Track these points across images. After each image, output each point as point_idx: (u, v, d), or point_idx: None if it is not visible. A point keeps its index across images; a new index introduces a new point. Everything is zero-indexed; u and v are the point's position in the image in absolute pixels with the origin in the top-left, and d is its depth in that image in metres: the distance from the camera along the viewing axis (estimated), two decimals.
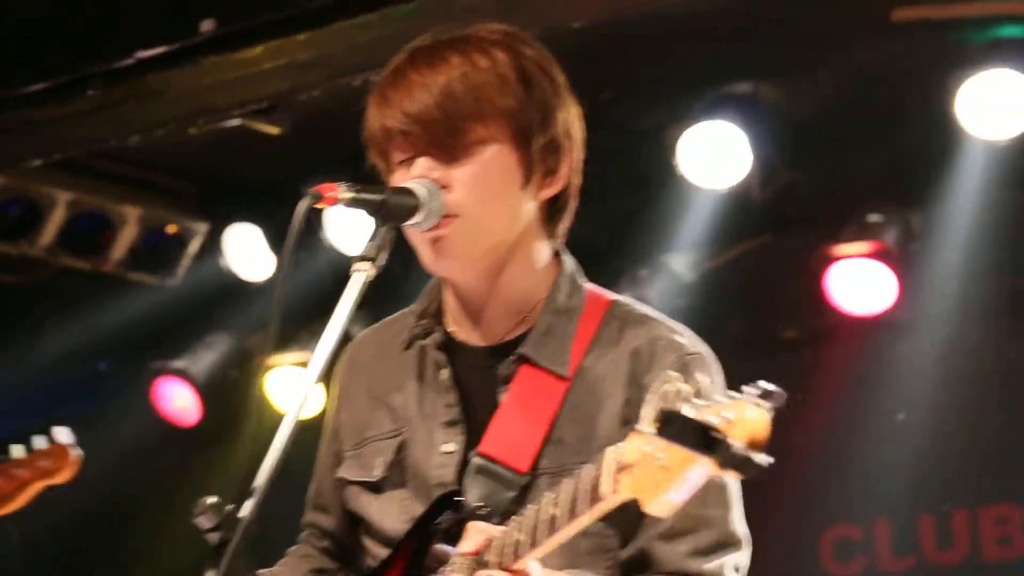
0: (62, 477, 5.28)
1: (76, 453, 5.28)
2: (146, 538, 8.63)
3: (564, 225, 3.44)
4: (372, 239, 3.18)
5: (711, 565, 3.23)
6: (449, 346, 3.43)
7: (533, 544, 2.89)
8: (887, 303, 7.33)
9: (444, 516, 3.25)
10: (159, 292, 8.47)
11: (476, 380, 3.39)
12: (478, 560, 3.05)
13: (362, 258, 3.17)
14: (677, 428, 2.48)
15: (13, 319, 8.62)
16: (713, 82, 7.19)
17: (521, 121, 3.30)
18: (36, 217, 7.91)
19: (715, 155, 7.21)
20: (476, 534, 3.07)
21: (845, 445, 7.51)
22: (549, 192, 3.38)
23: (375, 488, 3.44)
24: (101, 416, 8.62)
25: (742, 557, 3.29)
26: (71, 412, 8.95)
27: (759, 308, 7.79)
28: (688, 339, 3.35)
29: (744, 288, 7.76)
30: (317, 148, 5.94)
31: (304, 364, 8.17)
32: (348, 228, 7.63)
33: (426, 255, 3.33)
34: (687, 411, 2.49)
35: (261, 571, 3.55)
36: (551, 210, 3.40)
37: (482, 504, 3.22)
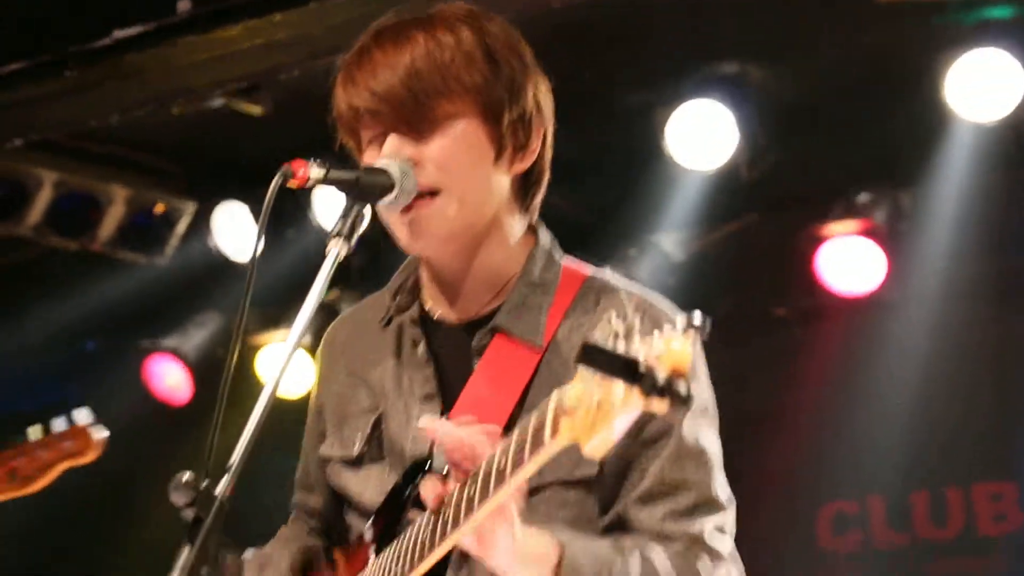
0: (87, 458, 5.32)
1: (100, 434, 5.31)
2: (138, 516, 8.62)
3: (538, 199, 3.44)
4: (344, 216, 3.18)
5: (689, 527, 3.22)
6: (425, 322, 3.44)
7: (485, 496, 2.86)
8: (876, 282, 7.33)
9: (414, 485, 3.24)
10: (148, 271, 8.45)
11: (452, 354, 3.40)
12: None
13: (336, 235, 3.15)
14: (602, 360, 2.46)
15: (1, 300, 8.60)
16: (701, 62, 7.17)
17: (488, 97, 3.30)
18: (22, 198, 7.88)
19: (703, 135, 7.19)
20: (429, 491, 3.05)
21: (838, 422, 7.52)
22: (521, 167, 3.38)
23: (354, 463, 3.46)
24: (91, 396, 8.62)
25: (725, 518, 3.28)
26: (61, 392, 8.99)
27: (748, 287, 7.78)
28: (665, 307, 3.34)
29: (733, 267, 7.76)
30: (300, 128, 5.89)
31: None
32: (336, 207, 7.60)
33: (402, 235, 3.33)
34: (613, 345, 2.47)
35: (250, 550, 3.57)
36: (524, 184, 3.40)
37: (447, 472, 3.18)
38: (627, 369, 2.43)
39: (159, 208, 8.29)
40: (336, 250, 3.14)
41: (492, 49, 3.32)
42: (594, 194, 7.54)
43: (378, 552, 3.28)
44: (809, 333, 7.61)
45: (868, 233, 7.25)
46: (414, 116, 3.25)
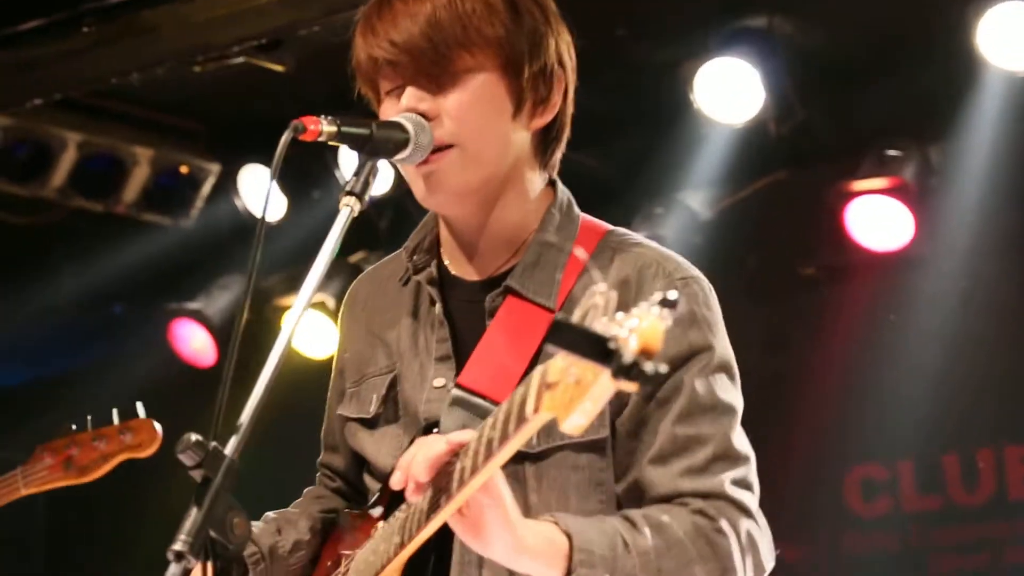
0: (147, 451, 5.39)
1: (159, 428, 5.36)
2: (163, 478, 8.62)
3: (558, 155, 3.39)
4: (357, 173, 3.11)
5: (707, 482, 3.14)
6: (443, 281, 3.40)
7: (474, 470, 2.80)
8: (906, 239, 7.25)
9: None
10: (173, 233, 8.45)
11: (467, 314, 3.35)
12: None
13: (348, 192, 3.09)
14: (570, 338, 2.39)
15: (26, 261, 8.62)
16: (729, 16, 7.10)
17: (510, 49, 3.24)
18: (47, 159, 7.88)
19: (730, 90, 7.13)
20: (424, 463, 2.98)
21: (866, 383, 7.43)
22: (541, 121, 3.32)
23: (370, 424, 3.42)
24: (118, 359, 8.63)
25: (745, 472, 3.20)
26: (88, 354, 9.00)
27: (776, 245, 7.71)
28: (678, 264, 3.29)
29: (761, 225, 7.69)
30: (324, 85, 5.87)
31: (320, 304, 8.16)
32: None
33: (418, 189, 3.28)
34: (588, 322, 2.41)
35: (269, 512, 3.53)
36: (544, 140, 3.35)
37: None
38: (596, 348, 2.36)
39: (183, 169, 8.27)
40: (349, 208, 3.08)
41: (515, 0, 3.26)
42: (620, 151, 7.49)
43: (385, 520, 3.25)
44: (837, 291, 7.54)
45: (897, 189, 7.17)
46: (433, 68, 3.20)
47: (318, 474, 3.66)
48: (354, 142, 3.13)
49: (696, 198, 7.73)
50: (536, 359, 3.20)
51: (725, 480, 3.15)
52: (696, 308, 3.22)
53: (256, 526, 3.45)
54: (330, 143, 3.14)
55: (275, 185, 3.08)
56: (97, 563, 9.18)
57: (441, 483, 2.90)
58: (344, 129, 3.11)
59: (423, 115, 3.19)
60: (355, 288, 3.61)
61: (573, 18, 3.38)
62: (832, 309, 7.53)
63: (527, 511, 3.07)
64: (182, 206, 8.38)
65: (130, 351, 8.72)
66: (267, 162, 8.64)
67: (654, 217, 7.54)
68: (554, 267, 3.29)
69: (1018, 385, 7.24)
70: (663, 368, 2.35)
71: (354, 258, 7.97)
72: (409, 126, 3.16)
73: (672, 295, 2.40)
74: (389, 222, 7.93)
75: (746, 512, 3.17)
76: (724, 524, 3.12)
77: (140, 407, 5.47)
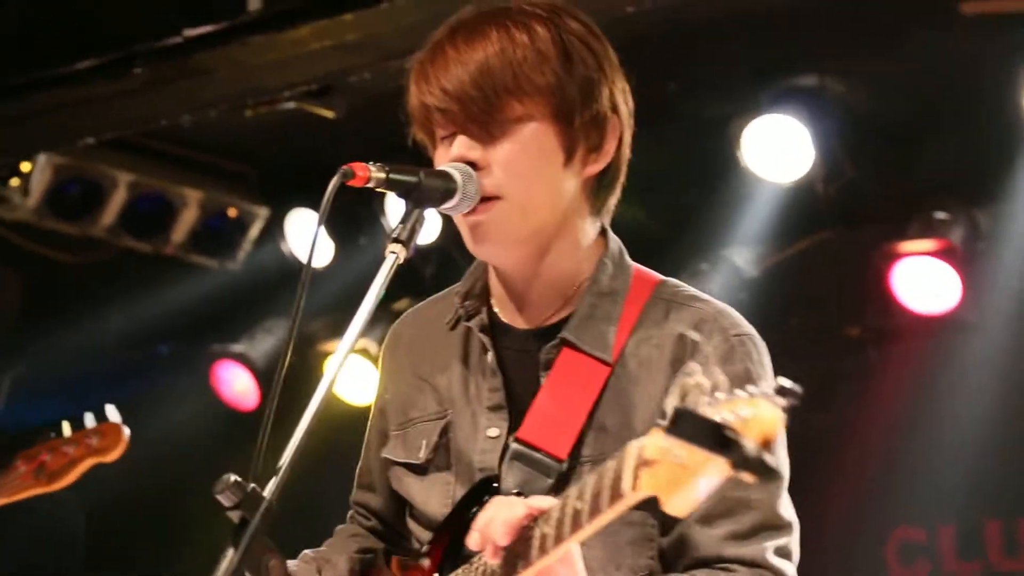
0: (112, 455, 5.30)
1: (127, 432, 5.29)
2: (203, 520, 8.61)
3: (611, 202, 3.37)
4: (404, 221, 3.13)
5: (750, 549, 3.13)
6: (494, 328, 3.38)
7: (559, 538, 2.81)
8: (952, 302, 7.20)
9: (483, 502, 3.18)
10: (219, 276, 8.48)
11: (520, 364, 3.33)
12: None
13: (395, 240, 3.10)
14: (690, 427, 2.40)
15: (74, 299, 8.66)
16: (779, 74, 7.10)
17: (561, 97, 3.22)
18: (97, 198, 7.92)
19: (779, 148, 7.13)
20: (503, 527, 2.98)
21: (909, 446, 7.38)
22: (594, 168, 3.30)
23: (419, 470, 3.40)
24: (161, 398, 8.65)
25: (787, 540, 3.18)
26: (131, 394, 9.01)
27: (822, 305, 7.68)
28: (734, 320, 3.27)
29: (807, 284, 7.66)
30: (373, 132, 5.90)
31: (362, 350, 8.16)
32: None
33: (467, 239, 3.28)
34: (702, 408, 2.41)
35: (307, 551, 3.53)
36: (597, 187, 3.33)
37: (519, 492, 3.15)
38: (715, 437, 2.37)
39: (232, 212, 8.30)
40: (395, 255, 3.09)
41: (568, 46, 3.24)
42: (667, 205, 7.48)
43: (441, 573, 3.23)
44: (883, 353, 7.49)
45: (944, 252, 7.14)
46: (483, 116, 3.20)
47: (351, 512, 3.64)
48: (402, 190, 3.14)
49: (742, 255, 7.70)
50: (594, 413, 3.20)
51: (768, 549, 3.14)
52: (751, 367, 3.21)
53: (293, 564, 3.44)
54: (378, 190, 3.16)
55: (322, 230, 3.08)
56: None
57: (518, 548, 2.91)
58: (392, 176, 3.12)
59: (473, 164, 3.19)
60: (398, 329, 3.59)
61: (625, 69, 3.37)
62: (877, 371, 7.49)
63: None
64: (229, 248, 8.40)
65: (173, 391, 8.75)
66: (315, 207, 8.66)
67: (700, 273, 7.52)
68: (609, 319, 3.28)
69: None
70: (784, 461, 2.35)
71: (398, 305, 7.95)
72: (457, 176, 3.16)
73: (786, 383, 2.41)
74: (435, 270, 7.93)
75: None
76: None
77: (111, 409, 5.40)
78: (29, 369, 9.09)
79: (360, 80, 6.16)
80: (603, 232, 3.38)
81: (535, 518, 2.89)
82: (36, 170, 7.62)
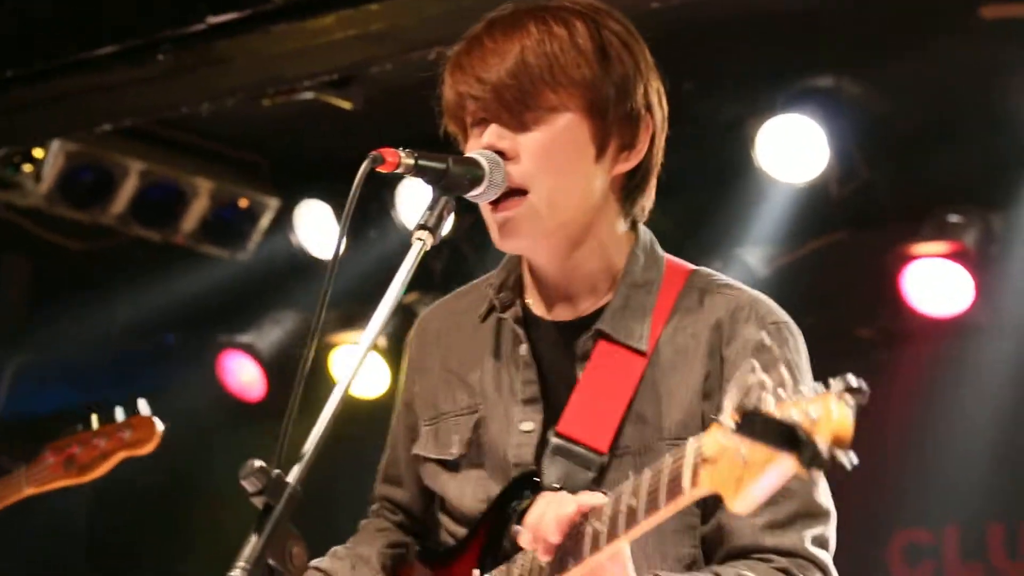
0: (145, 449, 5.35)
1: (160, 426, 5.31)
2: (207, 510, 8.65)
3: (641, 201, 3.35)
4: (431, 208, 3.12)
5: (788, 538, 3.14)
6: (527, 320, 3.37)
7: (612, 535, 2.81)
8: (964, 305, 7.20)
9: (523, 497, 3.18)
10: (229, 266, 8.46)
11: (554, 356, 3.32)
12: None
13: (421, 227, 3.10)
14: (759, 427, 2.39)
15: (81, 286, 8.65)
16: (795, 74, 7.10)
17: (595, 92, 3.22)
18: (108, 185, 7.91)
19: (794, 149, 7.12)
20: (555, 524, 2.97)
21: (918, 448, 7.39)
22: (625, 166, 3.29)
23: (452, 466, 3.39)
24: (167, 387, 8.64)
25: (826, 530, 3.19)
26: (137, 383, 9.01)
27: (833, 306, 7.66)
28: (770, 308, 3.27)
29: (818, 285, 7.65)
30: (391, 125, 5.87)
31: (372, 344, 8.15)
32: (422, 208, 7.56)
33: (494, 234, 3.27)
34: (770, 408, 2.40)
35: (337, 547, 3.51)
36: (627, 185, 3.31)
37: (560, 486, 3.14)
38: (786, 437, 2.36)
39: (243, 203, 8.29)
40: (421, 243, 3.08)
41: (606, 44, 3.25)
42: (680, 204, 7.45)
43: (482, 570, 3.22)
44: (893, 355, 7.49)
45: (958, 255, 7.13)
46: (517, 105, 3.19)
47: (375, 506, 3.62)
48: (430, 176, 3.13)
49: (754, 255, 7.69)
50: (632, 404, 3.20)
51: (806, 537, 3.14)
52: (789, 354, 3.21)
53: (325, 562, 3.44)
54: (407, 176, 3.15)
55: (346, 215, 3.06)
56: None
57: (568, 545, 2.90)
58: (421, 163, 3.11)
59: (502, 153, 3.19)
60: (425, 320, 3.56)
61: None
62: (887, 372, 7.47)
63: None
64: (239, 239, 8.39)
65: (179, 380, 8.73)
66: (326, 199, 8.69)
67: None
68: (643, 309, 3.27)
69: None
70: (855, 460, 2.34)
71: (408, 299, 7.94)
72: (484, 163, 3.16)
73: (854, 382, 2.40)
74: (444, 264, 7.92)
75: (824, 571, 3.17)
76: None
77: (143, 403, 5.41)
78: (35, 356, 9.09)
79: (381, 71, 6.12)
80: (633, 225, 3.37)
81: (586, 515, 2.88)
82: (49, 156, 7.61)
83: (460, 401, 3.40)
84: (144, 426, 5.39)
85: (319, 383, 8.73)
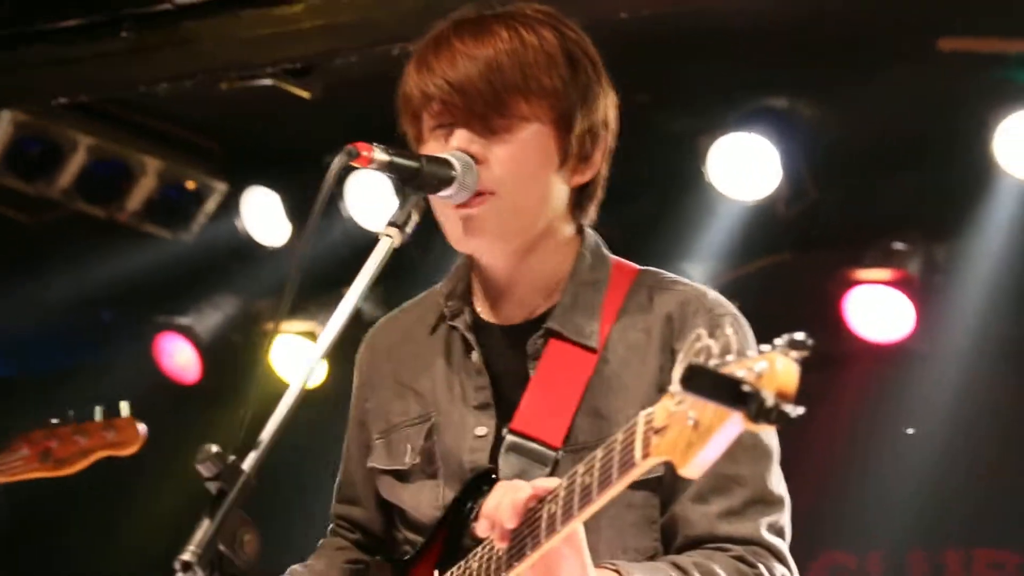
0: (128, 450, 5.34)
1: (143, 428, 5.31)
2: (136, 489, 8.61)
3: (591, 214, 3.40)
4: (402, 206, 3.12)
5: (744, 527, 3.15)
6: (477, 327, 3.38)
7: (567, 515, 2.80)
8: (904, 332, 7.26)
9: (480, 496, 3.16)
10: (171, 246, 8.40)
11: (505, 360, 3.34)
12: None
13: (391, 224, 3.09)
14: (705, 383, 2.40)
15: (21, 258, 8.56)
16: (751, 93, 7.12)
17: (564, 103, 3.25)
18: (55, 158, 7.83)
19: (745, 167, 7.15)
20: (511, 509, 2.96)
21: (847, 471, 7.44)
22: (581, 179, 3.33)
23: (406, 476, 3.39)
24: (100, 365, 8.58)
25: (780, 517, 3.21)
26: (71, 358, 8.95)
27: (774, 325, 7.64)
28: (718, 300, 3.31)
29: (760, 304, 7.62)
30: (346, 117, 5.85)
31: (311, 334, 8.12)
32: (369, 200, 7.55)
33: (454, 231, 3.28)
34: (715, 365, 2.41)
35: (295, 566, 3.50)
36: (580, 197, 3.36)
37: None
38: (731, 392, 2.37)
39: (190, 184, 8.23)
40: (390, 239, 3.08)
41: (572, 53, 3.28)
42: (627, 215, 7.48)
43: (441, 570, 3.22)
44: (830, 378, 7.51)
45: (900, 282, 7.19)
46: (488, 111, 3.21)
47: (332, 525, 3.62)
48: (402, 174, 3.14)
49: (697, 270, 7.71)
50: (584, 399, 3.22)
51: (761, 525, 3.16)
52: (739, 343, 3.23)
53: None
54: (379, 172, 3.15)
55: (319, 206, 3.06)
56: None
57: (526, 530, 2.90)
58: (396, 160, 3.12)
59: (472, 157, 3.20)
60: (374, 337, 3.57)
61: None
62: (824, 395, 7.50)
63: None
64: (184, 221, 8.33)
65: (113, 358, 8.68)
66: (274, 186, 8.63)
67: None
68: (592, 307, 3.30)
69: (996, 490, 7.24)
70: (801, 410, 2.35)
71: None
72: (457, 165, 3.17)
73: (800, 336, 2.42)
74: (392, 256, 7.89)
75: (780, 559, 3.19)
76: (763, 570, 3.14)
77: (125, 406, 5.41)
78: None
79: (345, 64, 6.10)
80: (580, 228, 3.41)
81: (541, 499, 2.88)
82: None
83: (411, 411, 3.41)
84: (128, 428, 5.40)
85: (257, 371, 8.68)
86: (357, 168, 3.12)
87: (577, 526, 2.86)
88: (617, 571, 3.02)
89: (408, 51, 3.36)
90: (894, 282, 7.21)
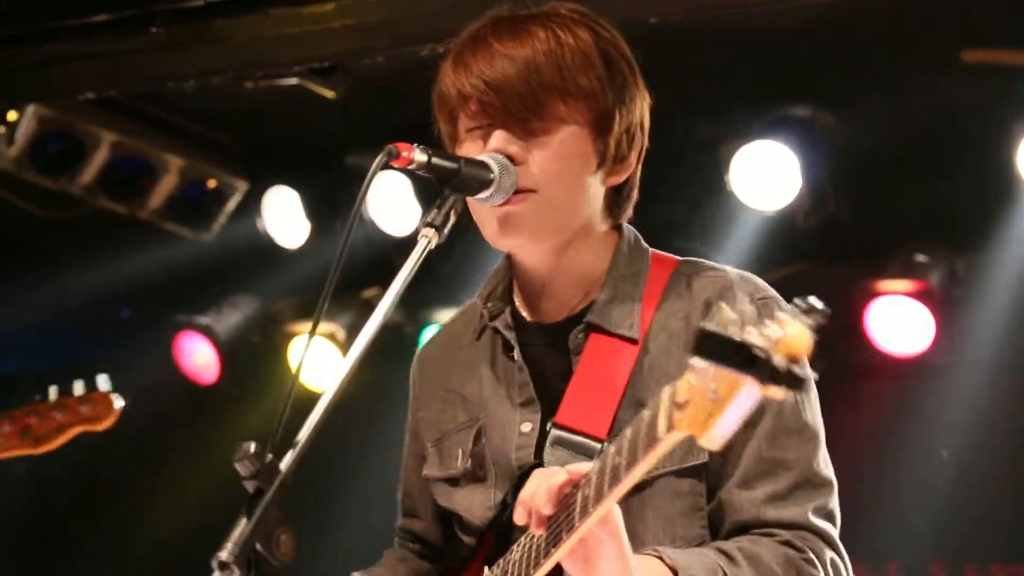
0: (102, 425, 5.33)
1: (119, 403, 5.29)
2: (157, 487, 8.64)
3: (626, 215, 3.42)
4: (440, 207, 3.13)
5: (790, 511, 3.15)
6: (518, 326, 3.41)
7: (599, 496, 2.80)
8: (924, 345, 7.24)
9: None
10: (191, 245, 8.41)
11: (547, 356, 3.36)
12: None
13: (428, 224, 3.11)
14: (716, 348, 2.41)
15: (42, 254, 8.58)
16: (774, 102, 7.11)
17: (602, 104, 3.27)
18: (78, 154, 7.84)
19: (767, 176, 7.13)
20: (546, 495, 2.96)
21: (866, 482, 7.41)
22: (616, 180, 3.36)
23: (458, 481, 3.42)
24: (119, 363, 8.57)
25: (828, 501, 3.21)
26: (89, 356, 8.95)
27: None
28: (758, 285, 3.32)
29: None
30: (370, 118, 5.86)
31: (329, 335, 8.11)
32: (388, 204, 7.55)
33: (491, 229, 3.30)
34: (727, 332, 2.42)
35: (356, 573, 3.54)
36: (615, 198, 3.38)
37: None
38: (742, 356, 2.38)
39: (212, 183, 8.24)
40: (427, 240, 3.10)
41: (607, 53, 3.30)
42: (647, 221, 7.47)
43: (491, 566, 3.24)
44: (850, 389, 7.51)
45: (921, 294, 7.17)
46: (526, 112, 3.22)
47: (397, 537, 3.67)
48: (440, 175, 3.15)
49: None
50: (627, 390, 3.23)
51: (808, 509, 3.16)
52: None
53: None
54: (418, 173, 3.16)
55: (357, 205, 3.07)
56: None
57: (561, 516, 2.90)
58: (435, 161, 3.14)
59: (510, 158, 3.21)
60: (423, 354, 3.63)
61: None
62: (842, 406, 7.48)
63: (634, 541, 3.04)
64: (205, 219, 8.33)
65: (132, 357, 8.66)
66: (296, 186, 8.60)
67: None
68: (632, 299, 3.31)
69: (1016, 504, 7.21)
70: (814, 373, 2.36)
71: (367, 294, 7.93)
72: (495, 167, 3.18)
73: (814, 301, 2.45)
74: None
75: (829, 543, 3.19)
76: (811, 555, 3.13)
77: (103, 379, 5.39)
78: None
79: (372, 63, 6.09)
80: (617, 225, 3.43)
81: (576, 484, 2.89)
82: (23, 120, 7.54)
83: (459, 416, 3.45)
84: (102, 402, 5.38)
85: (279, 371, 8.69)
86: (389, 169, 3.13)
87: (612, 509, 2.86)
88: (660, 557, 3.03)
89: (437, 52, 3.38)
90: (915, 294, 7.19)
